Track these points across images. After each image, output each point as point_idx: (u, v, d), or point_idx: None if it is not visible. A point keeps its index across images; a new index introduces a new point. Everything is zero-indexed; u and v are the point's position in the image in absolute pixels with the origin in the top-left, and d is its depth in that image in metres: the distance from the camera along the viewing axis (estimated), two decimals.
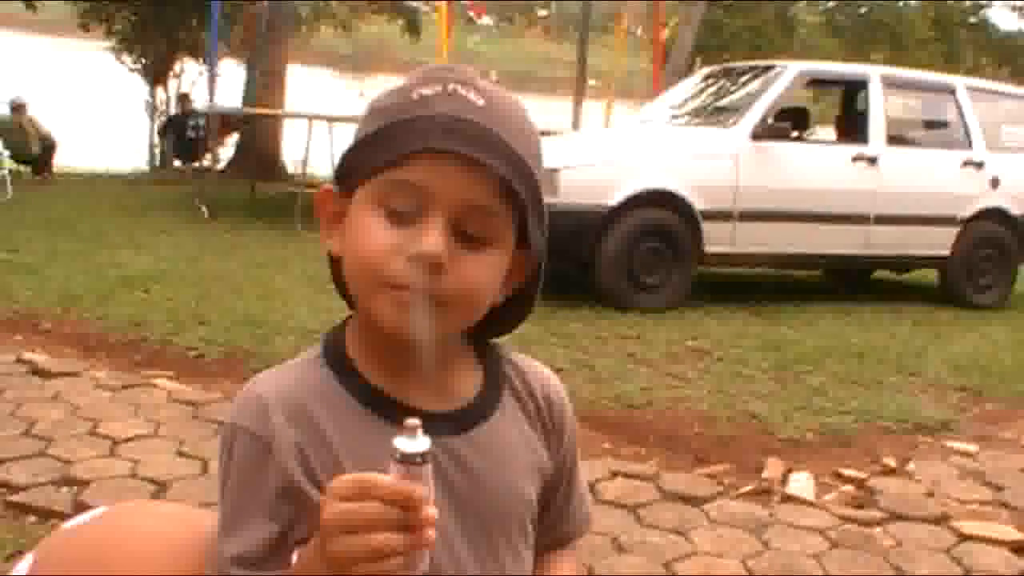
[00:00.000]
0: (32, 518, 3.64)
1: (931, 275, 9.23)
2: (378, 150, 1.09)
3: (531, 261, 1.19)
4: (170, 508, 1.71)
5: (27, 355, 5.45)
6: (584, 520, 1.36)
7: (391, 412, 1.11)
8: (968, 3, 23.94)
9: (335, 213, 1.16)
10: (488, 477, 1.17)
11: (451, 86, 1.10)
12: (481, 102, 1.10)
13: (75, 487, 3.86)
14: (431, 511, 0.94)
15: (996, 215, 8.89)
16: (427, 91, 1.10)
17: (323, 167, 12.33)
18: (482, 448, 1.17)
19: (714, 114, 8.93)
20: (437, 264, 1.06)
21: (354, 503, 0.93)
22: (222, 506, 1.13)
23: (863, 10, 22.82)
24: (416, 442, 0.94)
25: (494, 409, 1.21)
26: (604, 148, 8.52)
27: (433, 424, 1.04)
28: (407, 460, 0.94)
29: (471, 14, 18.34)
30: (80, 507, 3.58)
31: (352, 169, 1.13)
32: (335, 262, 1.19)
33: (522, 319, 1.28)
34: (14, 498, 3.77)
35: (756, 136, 8.00)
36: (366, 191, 1.10)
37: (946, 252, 8.74)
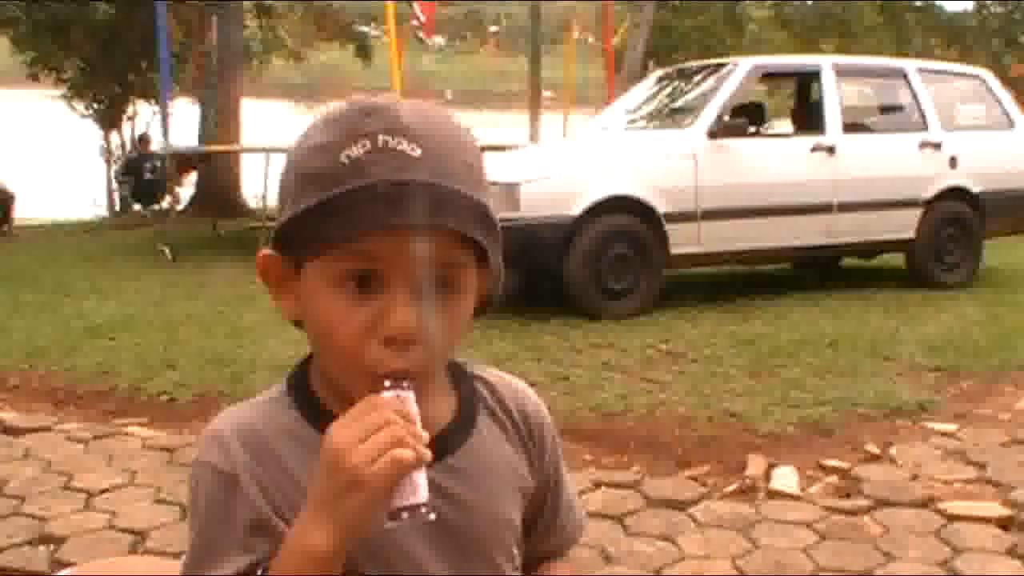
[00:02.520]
0: None
1: (899, 259, 9.25)
2: (321, 226, 1.04)
3: (491, 275, 1.16)
4: (138, 562, 1.68)
5: None
6: (577, 528, 1.35)
7: None
8: None
9: (281, 278, 1.12)
10: (470, 503, 1.15)
11: (381, 140, 1.03)
12: (417, 152, 1.03)
13: (52, 545, 3.79)
14: (421, 430, 1.00)
15: (957, 194, 8.93)
16: (356, 152, 1.03)
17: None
18: (461, 474, 1.15)
19: (670, 116, 8.96)
20: (412, 337, 1.04)
21: (362, 417, 0.99)
22: (193, 543, 1.11)
23: (810, 1, 23.01)
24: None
25: (470, 432, 1.19)
26: (562, 159, 8.50)
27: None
28: (396, 385, 1.02)
29: (420, 35, 18.31)
30: (57, 565, 3.52)
31: (295, 241, 1.08)
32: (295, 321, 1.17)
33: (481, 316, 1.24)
34: None
35: (713, 134, 8.00)
36: (319, 268, 1.06)
37: (911, 234, 8.77)
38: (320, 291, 1.06)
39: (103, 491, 4.28)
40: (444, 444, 1.14)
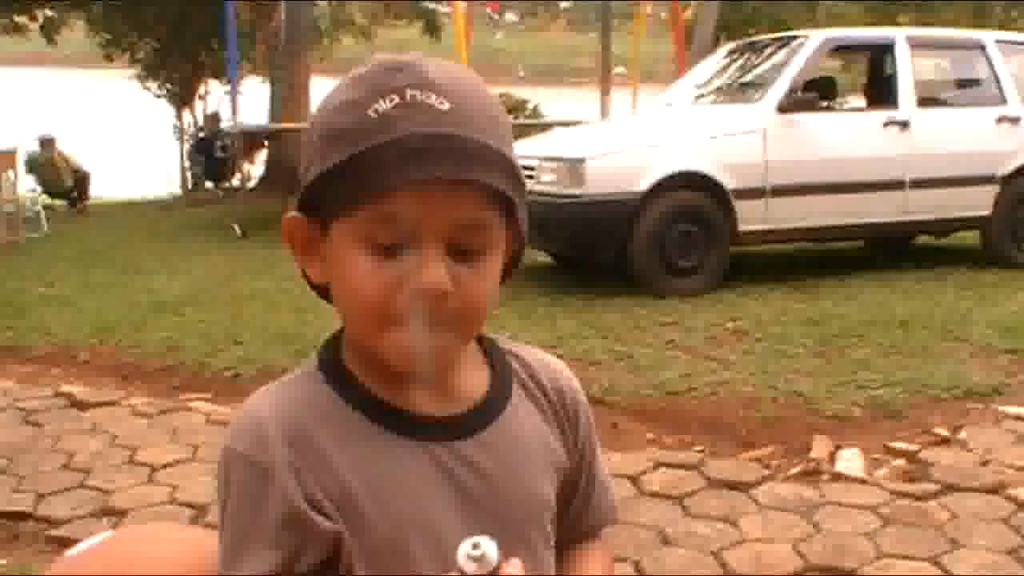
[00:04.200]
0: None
1: (974, 237, 9.03)
2: (349, 184, 1.02)
3: (518, 235, 1.14)
4: (177, 532, 1.67)
5: (65, 388, 5.47)
6: (609, 510, 1.31)
7: (396, 422, 1.09)
8: None
9: (308, 240, 1.10)
10: (503, 479, 1.13)
11: (409, 94, 1.02)
12: (446, 105, 1.02)
13: (114, 517, 3.85)
14: None
15: None
16: (384, 106, 1.02)
17: None
18: (494, 450, 1.13)
19: (739, 90, 8.80)
20: (443, 294, 1.02)
21: None
22: (223, 535, 1.09)
23: None
24: (482, 564, 0.92)
25: (504, 408, 1.16)
26: (629, 134, 8.43)
27: (442, 428, 1.10)
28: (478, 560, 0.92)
29: (488, 10, 18.29)
30: None
31: (321, 201, 1.06)
32: (318, 287, 1.15)
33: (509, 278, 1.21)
34: (55, 532, 3.78)
35: (783, 109, 7.85)
36: (347, 227, 1.04)
37: (987, 212, 8.53)
38: (348, 251, 1.04)
39: (165, 465, 4.34)
40: (477, 418, 1.13)
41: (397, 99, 1.01)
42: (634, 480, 4.12)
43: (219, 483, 1.10)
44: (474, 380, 1.16)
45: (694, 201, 7.53)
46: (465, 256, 1.04)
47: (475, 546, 0.92)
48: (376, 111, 1.02)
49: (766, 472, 4.21)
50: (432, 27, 20.52)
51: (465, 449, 1.11)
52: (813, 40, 8.43)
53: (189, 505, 3.93)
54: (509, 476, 1.12)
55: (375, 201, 1.01)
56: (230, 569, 1.07)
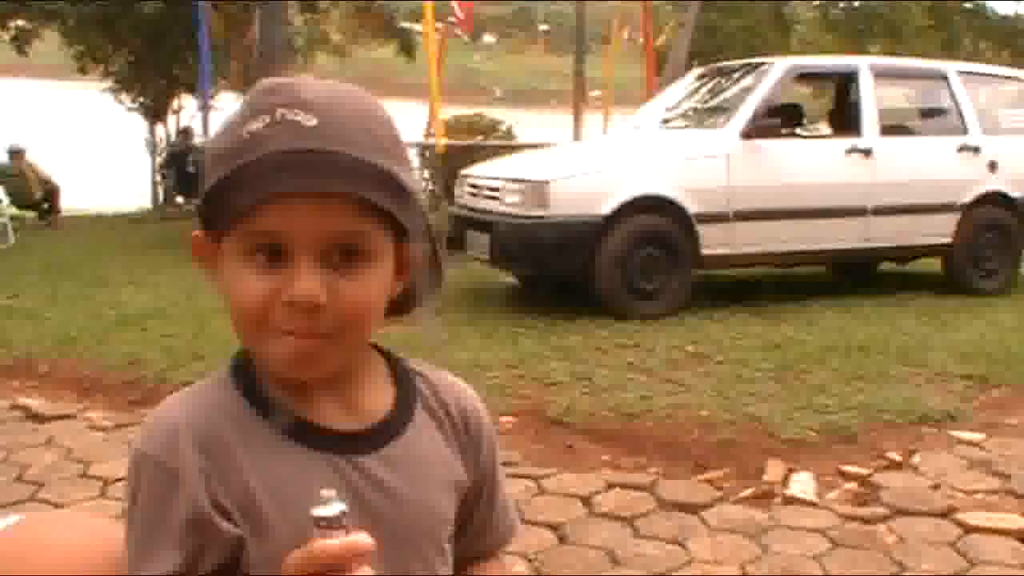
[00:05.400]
0: None
1: (937, 265, 9.12)
2: (226, 201, 1.07)
3: (414, 250, 1.16)
4: (87, 520, 1.69)
5: (22, 400, 5.46)
6: (508, 531, 1.34)
7: (302, 433, 1.12)
8: None
9: (210, 255, 1.14)
10: (404, 495, 1.15)
11: (279, 113, 1.06)
12: (313, 121, 1.05)
13: None
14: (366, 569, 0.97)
15: (996, 199, 8.78)
16: (256, 126, 1.06)
17: None
18: (396, 465, 1.15)
19: (705, 115, 8.88)
20: (315, 306, 1.05)
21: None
22: (130, 534, 1.11)
23: (857, 3, 22.72)
24: (331, 507, 0.97)
25: (407, 425, 1.19)
26: (595, 157, 8.47)
27: (346, 442, 1.13)
28: (328, 524, 0.97)
29: (458, 32, 18.35)
30: None
31: (211, 218, 1.11)
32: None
33: (418, 303, 1.26)
34: None
35: (747, 135, 7.92)
36: (233, 243, 1.08)
37: (948, 239, 8.64)
38: (234, 265, 1.08)
39: (118, 479, 4.31)
40: (380, 435, 1.16)
41: (268, 118, 1.06)
42: (586, 501, 4.14)
43: (128, 484, 1.12)
44: (379, 397, 1.19)
45: (657, 225, 7.58)
46: (344, 267, 1.07)
47: (324, 501, 0.97)
48: (248, 131, 1.06)
49: (718, 494, 4.24)
50: (407, 47, 20.58)
51: (367, 463, 1.13)
52: (778, 67, 8.52)
53: None
54: (409, 492, 1.15)
55: (248, 216, 1.05)
56: (135, 569, 1.08)
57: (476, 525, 1.28)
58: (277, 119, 1.05)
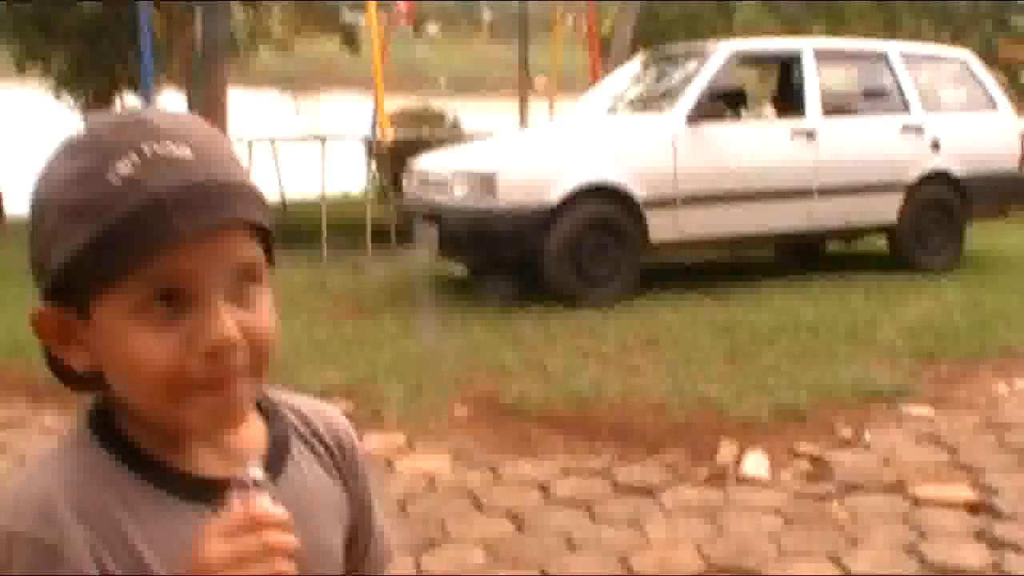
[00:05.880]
0: None
1: (883, 244, 9.24)
2: (107, 259, 0.95)
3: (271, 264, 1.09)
4: None
5: None
6: (386, 555, 1.28)
7: (182, 487, 1.03)
8: None
9: (62, 330, 1.01)
10: (296, 536, 1.03)
11: (146, 149, 0.96)
12: (187, 152, 0.97)
13: None
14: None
15: (939, 178, 8.90)
16: (125, 168, 0.95)
17: (266, 188, 12.24)
18: (284, 506, 1.02)
19: (650, 100, 8.90)
20: (234, 347, 0.97)
21: (240, 536, 0.92)
22: None
23: None
24: (251, 471, 0.94)
25: (286, 462, 1.11)
26: (541, 146, 8.48)
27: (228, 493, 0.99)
28: (243, 488, 0.93)
29: (401, 23, 18.28)
30: None
31: (77, 285, 0.97)
32: (79, 377, 1.05)
33: None
34: None
35: (692, 119, 7.97)
36: (114, 304, 0.96)
37: (893, 219, 8.75)
38: (121, 328, 0.97)
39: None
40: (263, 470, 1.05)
41: (135, 157, 0.95)
42: (543, 488, 4.16)
43: None
44: (251, 435, 1.10)
45: (605, 212, 7.61)
46: (242, 299, 1.00)
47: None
48: (118, 175, 0.95)
49: (673, 477, 4.28)
50: (351, 40, 20.43)
51: None
52: (721, 51, 8.56)
53: None
54: (302, 532, 1.00)
55: (142, 268, 0.94)
56: None
57: (356, 553, 1.22)
58: (148, 156, 0.96)
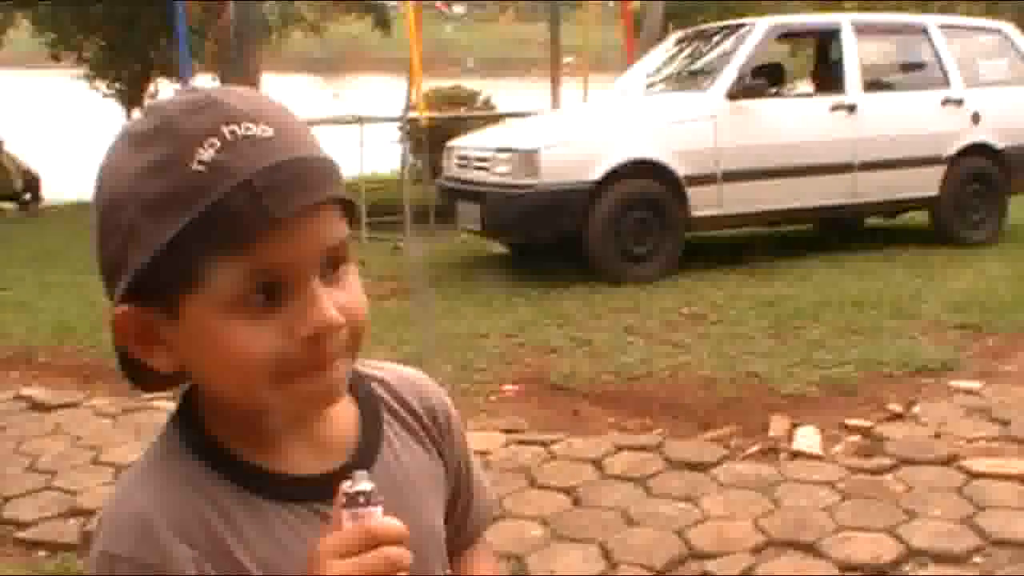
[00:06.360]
0: (42, 552, 3.66)
1: (924, 217, 9.19)
2: (198, 252, 0.90)
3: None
4: None
5: (25, 391, 5.44)
6: (488, 510, 1.27)
7: (279, 490, 1.00)
8: None
9: (144, 331, 0.97)
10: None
11: (226, 131, 0.90)
12: (269, 131, 0.92)
13: (82, 518, 3.85)
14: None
15: (980, 150, 8.85)
16: (207, 153, 0.89)
17: None
18: (384, 495, 0.98)
19: (689, 78, 8.90)
20: (339, 328, 0.94)
21: (360, 554, 0.90)
22: None
23: None
24: (360, 484, 0.92)
25: (380, 445, 1.08)
26: (582, 124, 8.52)
27: (326, 485, 0.98)
28: (354, 502, 0.92)
29: (438, 7, 18.31)
30: (88, 537, 3.57)
31: (164, 281, 0.92)
32: (158, 376, 1.02)
33: None
34: (23, 534, 3.78)
35: (732, 96, 7.97)
36: (205, 298, 0.91)
37: (934, 192, 8.71)
38: (215, 322, 0.92)
39: (131, 464, 4.33)
40: (357, 465, 1.00)
41: (216, 141, 0.90)
42: (597, 464, 4.19)
43: None
44: (343, 420, 1.07)
45: (647, 188, 7.62)
46: (336, 278, 0.96)
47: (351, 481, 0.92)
48: (201, 161, 0.89)
49: (725, 452, 4.29)
50: (383, 21, 20.47)
51: None
52: (760, 27, 8.54)
53: None
54: (404, 517, 0.95)
55: (237, 257, 0.90)
56: None
57: (457, 517, 1.21)
58: (229, 139, 0.90)
